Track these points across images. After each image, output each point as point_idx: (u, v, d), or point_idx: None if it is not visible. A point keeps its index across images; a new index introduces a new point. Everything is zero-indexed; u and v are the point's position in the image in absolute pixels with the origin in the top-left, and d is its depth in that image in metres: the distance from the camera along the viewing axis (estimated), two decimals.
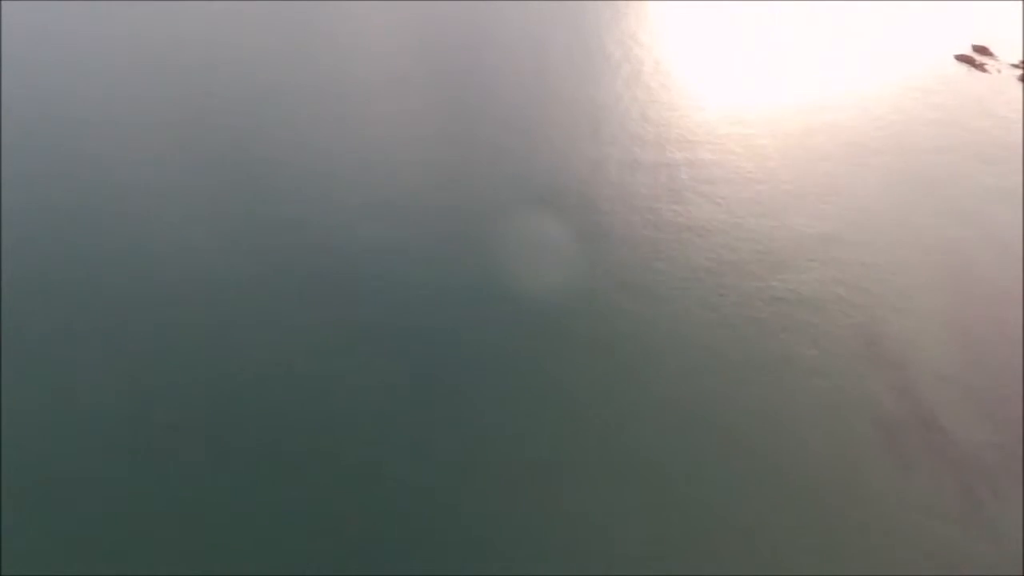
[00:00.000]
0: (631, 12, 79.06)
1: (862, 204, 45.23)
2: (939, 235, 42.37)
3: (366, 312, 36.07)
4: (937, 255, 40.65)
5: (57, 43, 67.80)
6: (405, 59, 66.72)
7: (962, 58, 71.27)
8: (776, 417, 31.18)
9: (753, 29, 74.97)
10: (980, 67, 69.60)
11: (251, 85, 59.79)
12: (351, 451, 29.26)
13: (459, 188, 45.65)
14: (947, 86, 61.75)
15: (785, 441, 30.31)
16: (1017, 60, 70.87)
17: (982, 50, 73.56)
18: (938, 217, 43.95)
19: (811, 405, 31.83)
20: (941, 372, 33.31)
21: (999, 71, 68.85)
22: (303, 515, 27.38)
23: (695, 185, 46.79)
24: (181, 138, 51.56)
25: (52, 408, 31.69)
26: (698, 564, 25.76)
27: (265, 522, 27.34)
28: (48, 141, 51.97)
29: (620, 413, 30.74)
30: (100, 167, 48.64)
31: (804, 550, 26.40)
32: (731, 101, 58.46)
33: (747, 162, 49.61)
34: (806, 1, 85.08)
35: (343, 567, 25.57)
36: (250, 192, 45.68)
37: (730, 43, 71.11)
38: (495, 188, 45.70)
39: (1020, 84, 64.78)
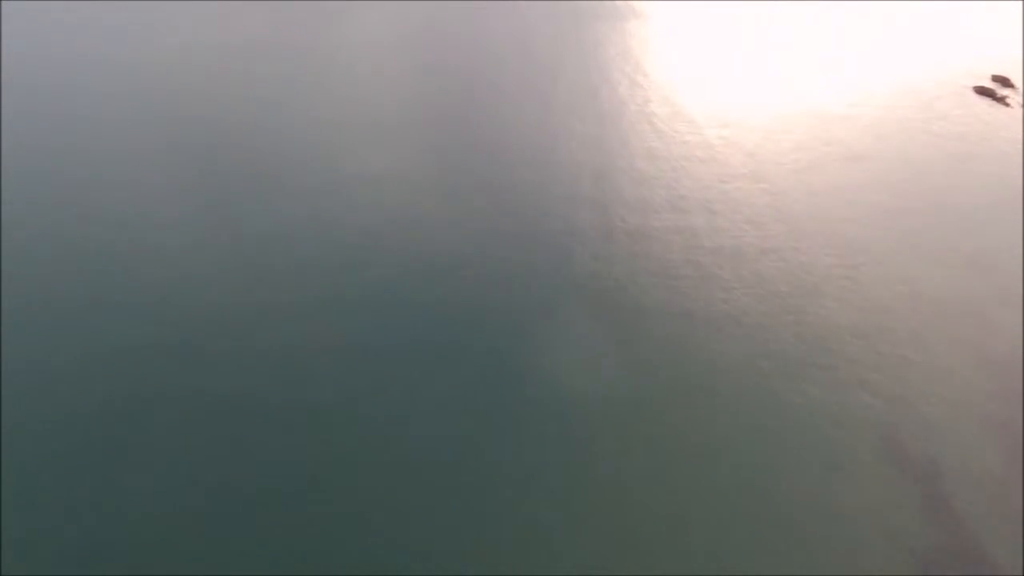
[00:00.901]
0: (635, 37, 75.17)
1: (890, 282, 41.49)
2: (981, 325, 38.39)
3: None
4: (980, 351, 36.76)
5: (53, 60, 64.74)
6: (395, 86, 63.50)
7: (981, 90, 67.37)
8: (795, 557, 27.46)
9: (761, 61, 70.95)
10: (1002, 100, 65.72)
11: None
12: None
13: (448, 271, 42.10)
14: (974, 127, 57.77)
15: None
16: None
17: (1003, 81, 69.57)
18: (979, 302, 39.93)
19: (835, 538, 28.20)
20: (984, 494, 29.59)
21: (1022, 105, 64.86)
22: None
23: (699, 257, 43.13)
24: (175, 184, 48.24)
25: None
26: None
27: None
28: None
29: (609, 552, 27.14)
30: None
31: None
32: (744, 147, 54.70)
33: (758, 226, 45.91)
34: (812, 14, 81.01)
35: None
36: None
37: (741, 77, 67.12)
38: (488, 271, 42.04)
39: None
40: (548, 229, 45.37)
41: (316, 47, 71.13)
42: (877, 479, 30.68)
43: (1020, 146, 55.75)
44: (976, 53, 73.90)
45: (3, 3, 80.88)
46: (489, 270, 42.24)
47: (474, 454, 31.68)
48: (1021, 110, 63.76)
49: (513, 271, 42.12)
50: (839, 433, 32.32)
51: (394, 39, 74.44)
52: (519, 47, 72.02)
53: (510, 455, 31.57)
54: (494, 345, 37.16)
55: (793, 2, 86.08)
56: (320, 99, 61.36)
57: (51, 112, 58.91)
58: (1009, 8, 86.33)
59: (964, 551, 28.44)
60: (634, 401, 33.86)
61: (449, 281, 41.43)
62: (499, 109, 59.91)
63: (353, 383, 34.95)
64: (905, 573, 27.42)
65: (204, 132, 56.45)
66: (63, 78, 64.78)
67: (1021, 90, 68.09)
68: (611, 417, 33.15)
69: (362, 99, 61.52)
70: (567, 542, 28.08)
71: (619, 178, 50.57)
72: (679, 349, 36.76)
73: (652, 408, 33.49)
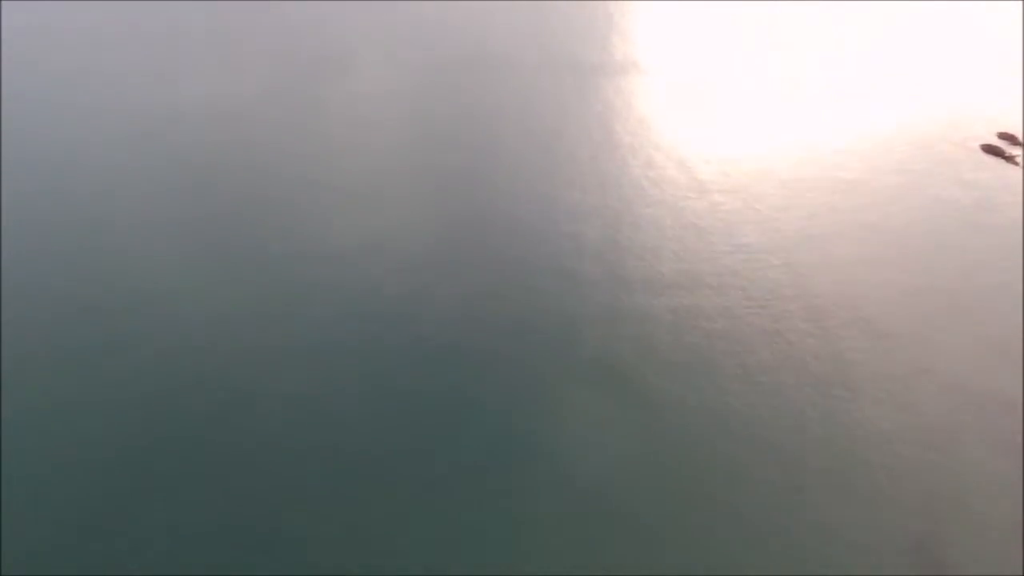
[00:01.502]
0: (636, 92, 73.55)
1: (916, 371, 38.89)
2: (1017, 421, 35.57)
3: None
4: (1019, 451, 33.87)
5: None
6: (388, 143, 61.96)
7: (989, 148, 65.64)
8: None
9: (765, 117, 69.19)
10: (1011, 160, 63.96)
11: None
12: None
13: (444, 352, 39.70)
14: (990, 193, 55.68)
15: None
16: None
17: (1010, 138, 67.91)
18: (1015, 395, 37.01)
19: None
20: None
21: None
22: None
23: (706, 342, 40.81)
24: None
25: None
26: None
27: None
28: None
29: None
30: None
31: None
32: (752, 215, 52.56)
33: (768, 305, 43.71)
34: (814, 65, 79.55)
35: None
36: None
37: (745, 135, 65.12)
38: (484, 355, 39.60)
39: None
40: (547, 309, 43.02)
41: (314, 106, 69.47)
42: None
43: None
44: (979, 105, 72.47)
45: (6, 49, 79.76)
46: (485, 354, 39.94)
47: (468, 539, 29.62)
48: None
49: (510, 355, 39.79)
50: (864, 558, 29.40)
51: (392, 86, 73.07)
52: (517, 103, 70.39)
53: (505, 547, 29.36)
54: (491, 431, 34.91)
55: (792, 51, 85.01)
56: (313, 163, 59.40)
57: (55, 165, 57.97)
58: (1007, 54, 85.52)
59: None
60: (632, 506, 31.31)
61: (446, 364, 39.18)
62: (498, 173, 57.85)
63: (347, 467, 33.08)
64: None
65: (200, 190, 55.08)
66: (67, 130, 63.80)
67: None
68: (607, 522, 30.52)
69: (357, 160, 59.56)
70: None
71: (621, 252, 48.31)
72: (681, 453, 34.15)
73: (652, 515, 30.77)
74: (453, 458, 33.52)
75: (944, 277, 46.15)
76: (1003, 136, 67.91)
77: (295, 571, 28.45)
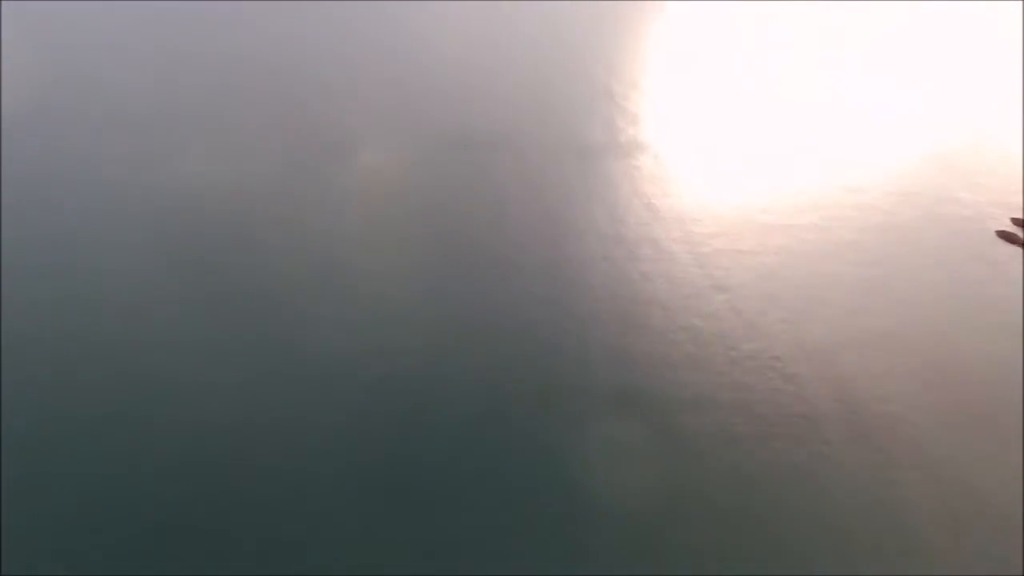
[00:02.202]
0: (645, 176, 70.35)
1: (981, 531, 33.93)
2: None
3: None
4: None
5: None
6: (394, 238, 58.96)
7: (1005, 236, 62.99)
8: None
9: (777, 203, 65.95)
10: None
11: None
12: None
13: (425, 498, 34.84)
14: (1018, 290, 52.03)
15: None
16: None
17: (1023, 224, 65.27)
18: None
19: None
20: None
21: None
22: None
23: (738, 484, 36.13)
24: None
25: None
26: None
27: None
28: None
29: None
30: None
31: None
32: (766, 323, 48.73)
33: (798, 442, 39.07)
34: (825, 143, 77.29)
35: None
36: None
37: (757, 226, 61.66)
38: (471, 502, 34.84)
39: None
40: (548, 437, 38.70)
41: (309, 189, 65.87)
42: None
43: None
44: (987, 186, 70.22)
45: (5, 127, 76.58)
46: (484, 476, 36.28)
47: None
48: None
49: (508, 485, 35.88)
50: None
51: (392, 172, 69.77)
52: (520, 189, 66.80)
53: None
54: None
55: (804, 129, 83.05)
56: (308, 252, 55.90)
57: (55, 246, 56.44)
58: (1007, 126, 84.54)
59: None
60: None
61: (445, 481, 35.59)
62: (498, 270, 53.96)
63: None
64: None
65: (202, 266, 53.62)
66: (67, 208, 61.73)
67: None
68: None
69: (354, 253, 55.87)
70: None
71: (629, 363, 44.21)
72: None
73: None
74: None
75: (996, 392, 41.83)
76: (1017, 222, 65.53)
77: None
